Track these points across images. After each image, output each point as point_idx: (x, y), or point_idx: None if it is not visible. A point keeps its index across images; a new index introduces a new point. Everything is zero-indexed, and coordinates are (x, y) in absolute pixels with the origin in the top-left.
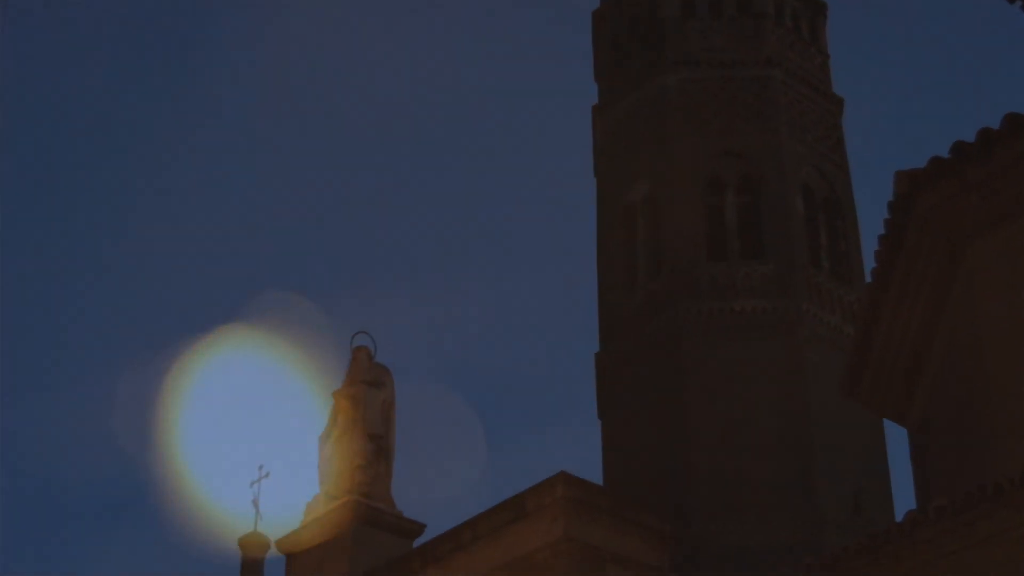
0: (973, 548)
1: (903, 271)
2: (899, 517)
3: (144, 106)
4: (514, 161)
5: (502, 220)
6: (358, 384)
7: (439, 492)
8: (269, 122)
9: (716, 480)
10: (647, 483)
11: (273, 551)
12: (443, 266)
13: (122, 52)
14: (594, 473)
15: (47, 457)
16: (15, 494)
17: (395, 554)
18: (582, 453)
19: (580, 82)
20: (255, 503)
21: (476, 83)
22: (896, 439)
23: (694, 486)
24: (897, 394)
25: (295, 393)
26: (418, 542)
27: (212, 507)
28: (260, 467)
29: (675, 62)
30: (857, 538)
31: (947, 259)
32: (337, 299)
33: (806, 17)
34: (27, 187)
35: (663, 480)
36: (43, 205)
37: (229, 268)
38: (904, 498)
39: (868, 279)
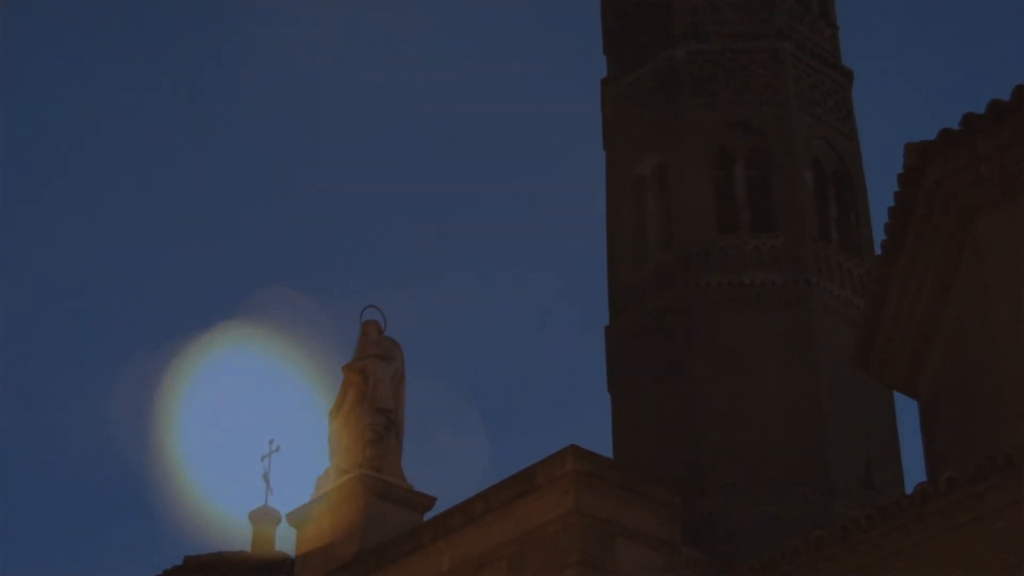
0: (983, 519)
1: (913, 243)
2: (909, 489)
3: (144, 103)
4: (522, 135)
5: (510, 194)
6: (368, 358)
7: (450, 465)
8: (269, 119)
9: (726, 452)
10: (657, 456)
11: (283, 525)
12: (451, 241)
13: (122, 49)
14: (604, 446)
15: (48, 455)
16: (16, 491)
17: (405, 527)
18: (592, 426)
19: (589, 55)
20: (265, 477)
21: (483, 56)
22: (906, 411)
23: (704, 459)
24: (907, 366)
25: (305, 368)
26: (428, 515)
27: (216, 505)
28: (270, 441)
29: (684, 35)
30: (867, 510)
31: (957, 231)
32: (341, 286)
33: None
34: (26, 186)
35: (673, 453)
36: (43, 205)
37: (228, 266)
38: (914, 470)
39: (878, 251)
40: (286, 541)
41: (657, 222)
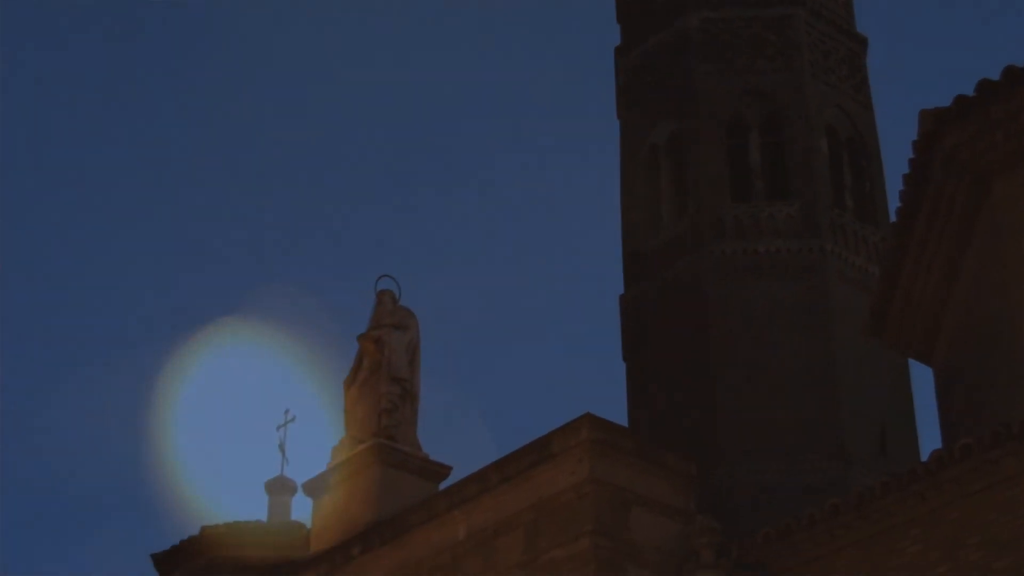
0: (999, 486)
1: (928, 210)
2: (924, 456)
3: (144, 100)
4: (536, 104)
5: (524, 163)
6: (382, 327)
7: (465, 434)
8: (269, 116)
9: (741, 421)
10: (672, 424)
11: (299, 495)
12: (464, 209)
13: (123, 46)
14: (619, 415)
15: (53, 450)
16: (21, 486)
17: (421, 496)
18: (607, 396)
19: (602, 24)
20: (281, 447)
21: (495, 26)
22: (921, 378)
23: (719, 427)
24: (922, 333)
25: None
26: (444, 485)
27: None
28: (286, 411)
29: (697, 3)
30: (882, 478)
31: (972, 197)
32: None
33: None
34: (25, 184)
35: (688, 421)
36: (43, 205)
37: (229, 262)
38: (929, 437)
39: (893, 219)
40: (302, 511)
41: (671, 191)
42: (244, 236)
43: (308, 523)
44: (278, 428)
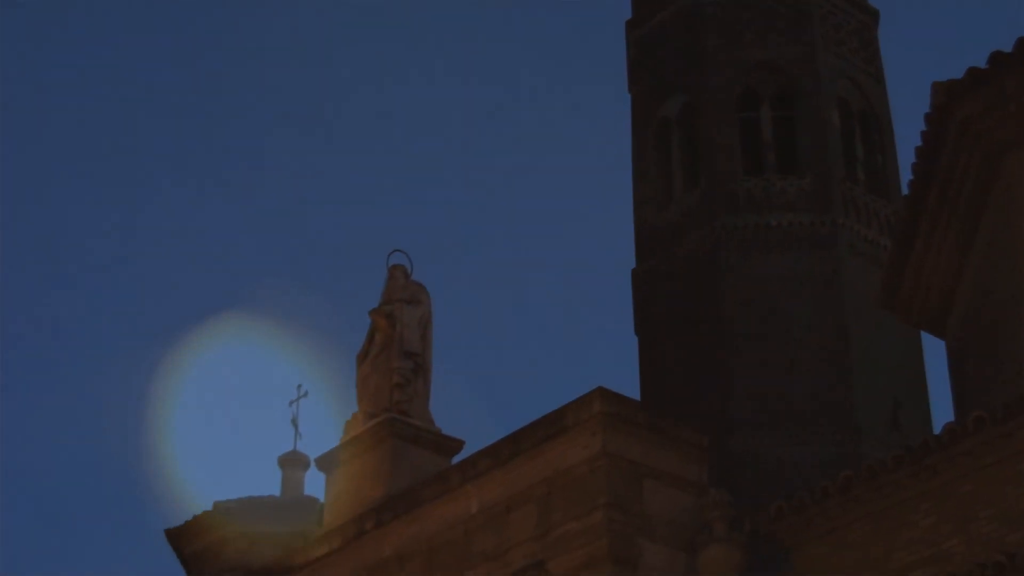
0: (1011, 459)
1: (940, 183)
2: (937, 430)
3: (144, 96)
4: (546, 77)
5: (534, 137)
6: (395, 302)
7: (478, 408)
8: (269, 113)
9: (753, 394)
10: (684, 398)
11: (312, 469)
12: (475, 186)
13: (123, 40)
14: (632, 389)
15: (59, 445)
16: (27, 480)
17: (433, 471)
18: (619, 369)
19: None
20: (294, 422)
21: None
22: (934, 351)
23: (731, 401)
24: (935, 306)
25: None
26: (456, 459)
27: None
28: (299, 386)
29: None
30: (895, 451)
31: (984, 170)
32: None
33: None
34: (24, 182)
35: (700, 395)
36: (42, 205)
37: (228, 259)
38: (942, 410)
39: (905, 192)
40: (315, 485)
41: (682, 165)
42: (243, 235)
43: (321, 498)
44: (291, 403)
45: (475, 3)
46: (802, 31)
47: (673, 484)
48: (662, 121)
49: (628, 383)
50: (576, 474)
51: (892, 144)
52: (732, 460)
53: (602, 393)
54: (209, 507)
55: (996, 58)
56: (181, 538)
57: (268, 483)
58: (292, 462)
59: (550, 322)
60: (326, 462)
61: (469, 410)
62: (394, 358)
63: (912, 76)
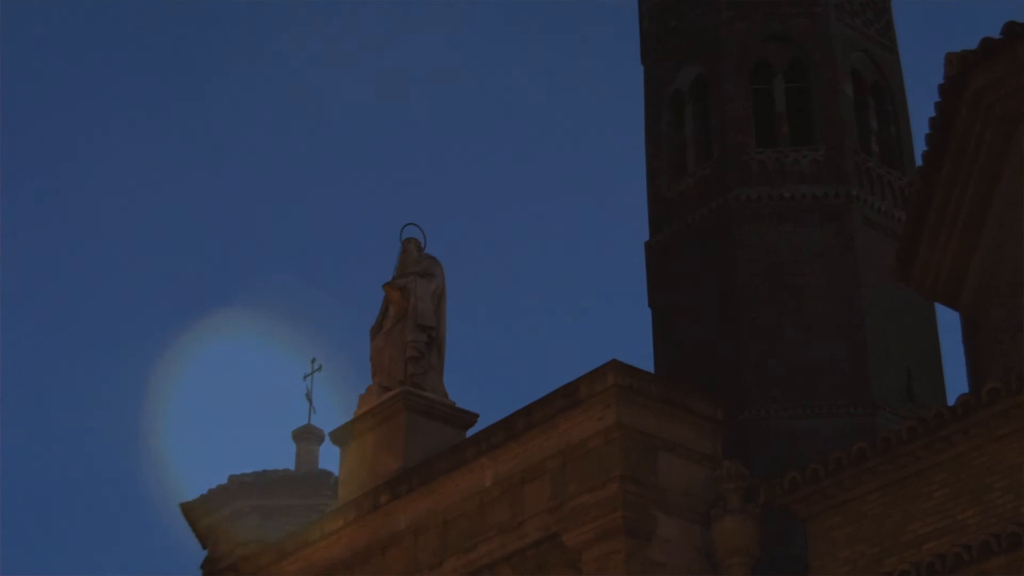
0: None
1: (954, 154)
2: (951, 401)
3: (144, 94)
4: (559, 50)
5: (549, 109)
6: (408, 275)
7: (492, 381)
8: (270, 112)
9: (767, 366)
10: (698, 370)
11: (327, 443)
12: (489, 158)
13: (124, 43)
14: (646, 362)
15: (65, 439)
16: (34, 473)
17: (448, 444)
18: (633, 342)
19: None
20: (308, 396)
21: None
22: (948, 323)
23: (745, 372)
24: (948, 278)
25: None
26: (471, 432)
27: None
28: (313, 360)
29: None
30: (909, 422)
31: (998, 140)
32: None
33: None
34: (23, 180)
35: (714, 367)
36: (43, 205)
37: (229, 255)
38: (956, 382)
39: (919, 163)
40: (329, 459)
41: (696, 136)
42: (245, 233)
43: (335, 471)
44: (305, 377)
45: None
46: (815, 3)
47: (687, 456)
48: (675, 93)
49: (642, 356)
50: (590, 446)
51: (906, 115)
52: (746, 432)
53: (616, 365)
54: (224, 481)
55: (1010, 29)
56: (195, 512)
57: (283, 457)
58: (306, 436)
59: (564, 295)
60: (340, 436)
61: (483, 383)
62: (408, 331)
63: (926, 47)
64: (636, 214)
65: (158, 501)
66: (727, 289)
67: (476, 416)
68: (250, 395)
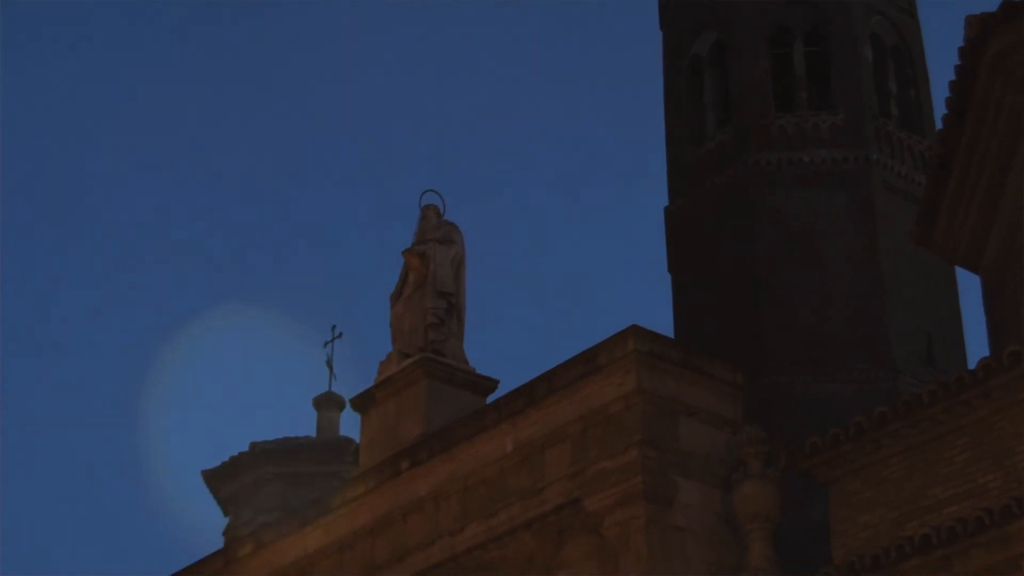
0: None
1: (974, 117)
2: (972, 365)
3: (143, 92)
4: (577, 16)
5: (568, 76)
6: (428, 242)
7: (512, 347)
8: (270, 110)
9: (787, 331)
10: (718, 335)
11: (348, 410)
12: (506, 126)
13: (124, 42)
14: (666, 327)
15: (71, 437)
16: (41, 468)
17: (468, 410)
18: (653, 307)
19: None
20: (329, 363)
21: None
22: (968, 286)
23: (765, 337)
24: (969, 241)
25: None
26: (491, 398)
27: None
28: (333, 327)
29: None
30: (930, 386)
31: (1018, 103)
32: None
33: None
34: (23, 178)
35: (734, 332)
36: (43, 205)
37: (251, 226)
38: (977, 345)
39: (939, 127)
40: (350, 426)
41: (715, 102)
42: (266, 202)
43: (356, 438)
44: (325, 344)
45: None
46: None
47: (708, 421)
48: (694, 58)
49: (662, 321)
50: (611, 412)
51: (926, 79)
52: (766, 397)
53: (636, 331)
54: (246, 448)
55: None
56: (217, 479)
57: (304, 424)
58: (327, 403)
59: (584, 261)
60: (361, 402)
61: (503, 349)
62: (428, 298)
63: (945, 9)
64: (656, 180)
65: (158, 501)
66: (747, 254)
67: (496, 382)
68: (271, 363)
